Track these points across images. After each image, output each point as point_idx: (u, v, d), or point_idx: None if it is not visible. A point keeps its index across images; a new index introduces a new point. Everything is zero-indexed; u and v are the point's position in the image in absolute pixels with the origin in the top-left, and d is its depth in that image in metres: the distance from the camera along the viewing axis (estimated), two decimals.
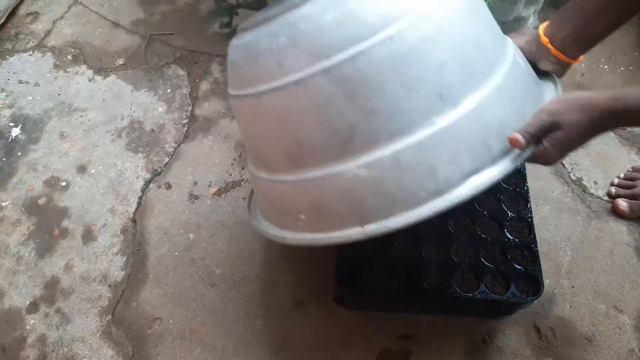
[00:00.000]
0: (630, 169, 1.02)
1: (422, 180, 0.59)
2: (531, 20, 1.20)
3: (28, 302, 0.95)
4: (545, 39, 0.71)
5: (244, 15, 1.34)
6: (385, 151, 0.59)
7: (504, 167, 0.59)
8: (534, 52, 0.72)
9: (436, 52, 0.59)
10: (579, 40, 0.69)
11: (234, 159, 1.11)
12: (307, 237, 0.68)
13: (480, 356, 0.86)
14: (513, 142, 0.58)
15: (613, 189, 1.00)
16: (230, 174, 1.09)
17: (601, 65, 1.18)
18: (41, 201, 1.07)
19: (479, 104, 0.60)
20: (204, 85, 1.23)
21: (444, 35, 0.59)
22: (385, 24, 0.57)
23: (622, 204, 0.96)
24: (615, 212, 0.97)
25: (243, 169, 1.10)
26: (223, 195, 1.06)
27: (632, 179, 0.99)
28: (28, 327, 0.93)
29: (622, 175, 1.01)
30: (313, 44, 0.58)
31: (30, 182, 1.10)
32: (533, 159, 0.60)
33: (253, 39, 0.62)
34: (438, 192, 0.59)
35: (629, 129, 1.09)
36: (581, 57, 0.71)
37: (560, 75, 0.73)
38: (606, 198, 1.00)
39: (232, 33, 1.30)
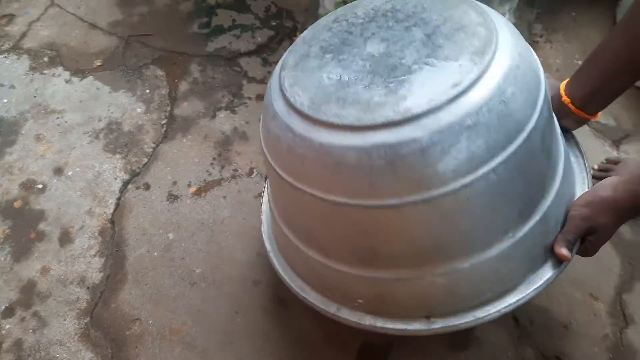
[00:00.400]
0: (605, 161, 1.03)
1: (492, 285, 0.62)
2: (507, 17, 1.22)
3: (3, 307, 0.93)
4: (566, 99, 0.74)
5: (223, 16, 1.34)
6: (464, 263, 0.60)
7: (557, 269, 0.65)
8: (555, 110, 0.74)
9: (525, 177, 0.59)
10: (598, 98, 0.73)
11: (214, 158, 1.11)
12: (369, 322, 0.67)
13: (460, 346, 0.86)
14: (562, 257, 0.64)
15: None
16: (210, 173, 1.09)
17: (575, 61, 1.21)
18: (17, 204, 1.05)
19: (545, 213, 0.62)
20: (183, 86, 1.22)
21: (533, 158, 0.59)
22: (492, 155, 0.54)
23: None
24: None
25: (223, 167, 1.09)
26: (203, 195, 1.06)
27: (606, 170, 1.00)
28: (3, 332, 0.91)
29: (596, 167, 1.03)
30: (415, 175, 0.54)
31: (5, 185, 1.08)
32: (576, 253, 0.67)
33: (336, 144, 0.54)
34: (504, 293, 0.63)
35: (602, 121, 1.11)
36: (599, 114, 0.75)
37: (575, 128, 0.79)
38: None
39: (211, 33, 1.31)
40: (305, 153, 0.57)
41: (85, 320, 0.92)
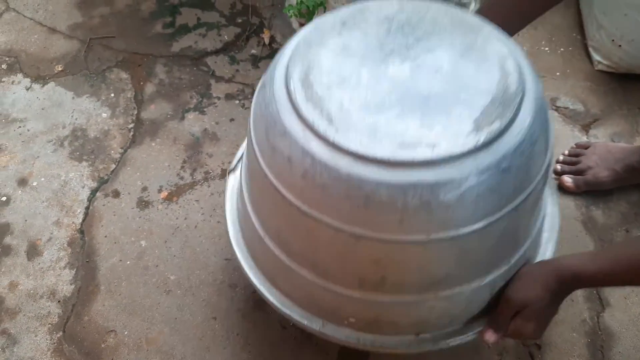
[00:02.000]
0: (574, 146, 1.04)
1: (481, 303, 0.65)
2: (472, 6, 1.22)
3: None
4: None
5: (187, 14, 1.31)
6: (466, 289, 0.61)
7: None
8: None
9: (534, 212, 0.64)
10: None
11: (184, 161, 1.08)
12: (359, 337, 0.67)
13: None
14: (486, 341, 0.65)
15: (559, 166, 1.02)
16: (182, 177, 1.06)
17: (542, 48, 1.22)
18: None
19: (530, 242, 0.66)
20: (149, 88, 1.19)
21: (539, 198, 0.62)
22: (516, 195, 0.55)
23: (568, 180, 0.99)
24: (562, 188, 1.00)
25: (194, 170, 1.07)
26: (175, 199, 1.03)
27: (576, 155, 1.01)
28: None
29: (566, 152, 1.04)
30: (449, 215, 0.53)
31: None
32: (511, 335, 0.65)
33: (367, 178, 0.51)
34: (486, 310, 0.66)
35: (571, 106, 1.12)
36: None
37: None
38: (553, 175, 1.03)
39: (176, 33, 1.27)
40: (328, 182, 0.53)
41: (58, 335, 0.89)
